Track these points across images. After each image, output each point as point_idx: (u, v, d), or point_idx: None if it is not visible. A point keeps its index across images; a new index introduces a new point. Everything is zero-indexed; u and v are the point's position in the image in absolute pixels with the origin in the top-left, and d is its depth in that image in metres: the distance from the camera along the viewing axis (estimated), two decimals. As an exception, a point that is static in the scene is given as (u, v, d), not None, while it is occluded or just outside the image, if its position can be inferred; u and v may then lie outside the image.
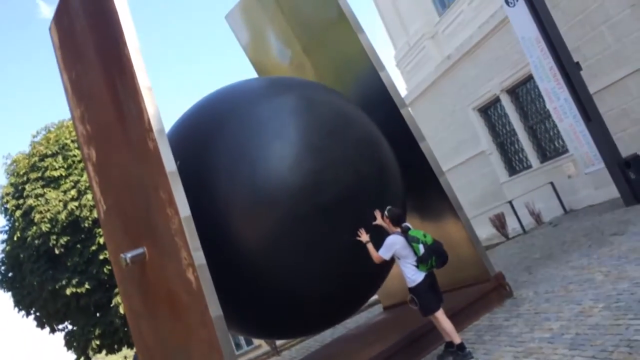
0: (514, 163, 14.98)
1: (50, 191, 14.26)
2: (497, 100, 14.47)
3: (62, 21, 6.65)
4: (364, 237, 5.49)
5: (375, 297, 8.91)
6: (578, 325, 4.70)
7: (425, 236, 5.28)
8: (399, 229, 5.37)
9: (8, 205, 14.71)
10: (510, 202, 13.64)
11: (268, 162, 5.55)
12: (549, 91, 10.85)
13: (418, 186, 7.02)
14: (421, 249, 5.18)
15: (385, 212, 5.46)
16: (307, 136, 5.73)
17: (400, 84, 20.42)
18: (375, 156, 6.09)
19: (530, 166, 14.16)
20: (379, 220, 5.59)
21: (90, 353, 15.25)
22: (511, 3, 10.96)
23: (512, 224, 13.55)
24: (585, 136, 10.25)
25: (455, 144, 16.38)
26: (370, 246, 5.42)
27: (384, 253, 5.30)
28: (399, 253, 5.29)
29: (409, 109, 7.82)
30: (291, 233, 5.41)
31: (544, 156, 13.72)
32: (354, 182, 5.69)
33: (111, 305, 14.39)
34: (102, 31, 5.80)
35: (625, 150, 10.21)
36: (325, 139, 5.75)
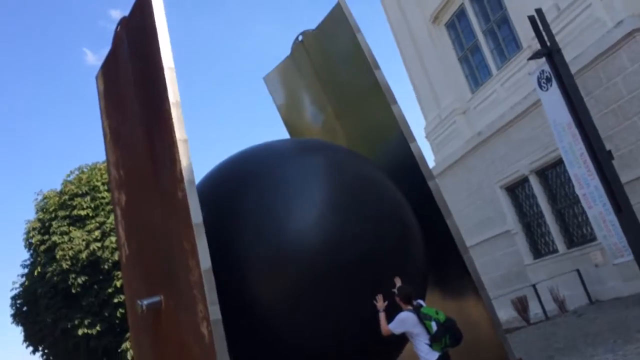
0: (539, 246, 14.70)
1: (75, 230, 14.50)
2: (525, 180, 14.41)
3: (109, 71, 6.97)
4: (380, 304, 5.38)
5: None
6: None
7: (437, 313, 5.17)
8: (410, 307, 5.27)
9: (33, 240, 14.95)
10: (533, 286, 13.30)
11: (291, 220, 5.58)
12: (578, 177, 10.79)
13: (441, 260, 6.92)
14: (434, 326, 5.07)
15: (396, 290, 5.37)
16: (333, 196, 5.77)
17: (428, 156, 20.59)
18: (398, 217, 6.07)
19: (556, 250, 13.88)
20: (395, 289, 5.45)
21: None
22: (544, 87, 11.11)
23: (534, 309, 13.16)
24: (615, 226, 10.07)
25: (480, 221, 16.22)
26: (382, 316, 5.31)
27: (394, 327, 5.20)
28: (411, 331, 5.17)
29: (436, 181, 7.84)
30: (309, 293, 5.34)
31: (571, 242, 13.45)
32: (376, 246, 5.64)
33: (119, 350, 14.24)
34: (146, 83, 6.05)
35: (656, 243, 9.96)
36: (350, 200, 5.78)
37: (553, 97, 10.86)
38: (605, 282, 12.28)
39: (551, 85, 10.85)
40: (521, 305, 12.94)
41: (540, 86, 11.21)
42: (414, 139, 7.34)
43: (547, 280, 13.34)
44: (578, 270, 12.73)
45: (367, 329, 5.48)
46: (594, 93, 11.61)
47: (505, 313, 13.94)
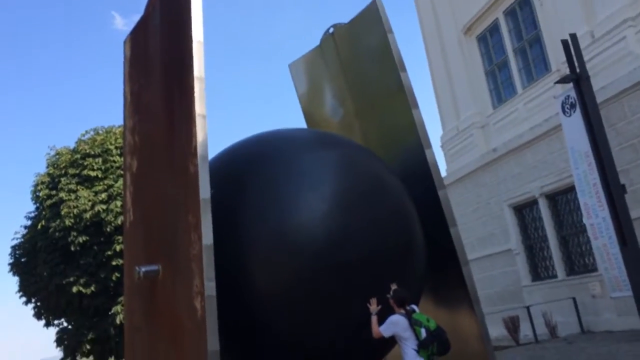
0: (539, 269, 14.66)
1: (83, 189, 14.61)
2: (534, 202, 14.34)
3: (138, 37, 7.01)
4: (373, 307, 5.42)
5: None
6: None
7: (428, 321, 5.21)
8: (403, 310, 5.30)
9: (40, 194, 15.10)
10: (527, 308, 13.28)
11: (298, 211, 5.61)
12: (588, 206, 10.73)
13: (439, 269, 6.93)
14: (423, 333, 5.11)
15: (391, 293, 5.40)
16: (342, 194, 5.78)
17: (440, 165, 20.47)
18: (404, 225, 6.08)
19: (555, 276, 13.83)
20: (391, 292, 5.48)
21: (78, 356, 15.15)
22: (567, 112, 11.04)
23: (525, 330, 13.14)
24: (618, 259, 10.03)
25: (483, 236, 16.19)
26: (374, 319, 5.35)
27: (384, 330, 5.24)
28: (401, 335, 5.22)
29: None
30: (307, 286, 5.39)
31: (572, 269, 13.40)
32: (378, 248, 5.67)
33: (110, 313, 14.39)
34: (173, 54, 6.08)
35: (656, 283, 9.91)
36: (359, 199, 5.79)
37: (575, 124, 10.78)
38: (600, 314, 12.23)
39: (574, 112, 10.77)
40: (512, 325, 12.92)
41: (564, 111, 11.13)
42: (430, 146, 7.34)
43: (541, 304, 13.31)
44: (574, 299, 12.69)
45: (356, 329, 5.51)
46: (616, 125, 11.51)
47: (495, 331, 13.91)
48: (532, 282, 14.66)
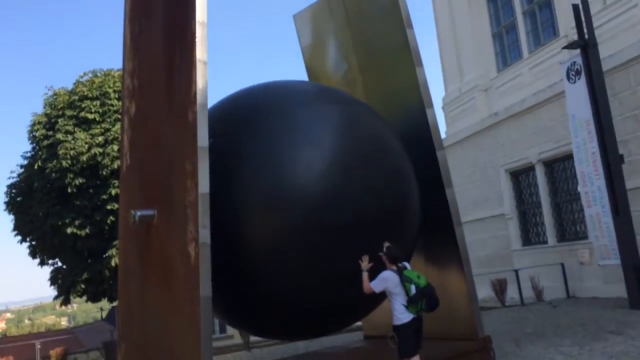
0: (530, 234, 14.84)
1: (80, 132, 14.50)
2: (531, 169, 14.38)
3: (142, -24, 6.81)
4: (365, 264, 5.48)
5: (359, 323, 8.88)
6: (551, 411, 4.63)
7: (419, 277, 5.29)
8: (394, 267, 5.38)
9: (37, 134, 14.99)
10: (516, 271, 13.50)
11: (295, 166, 5.59)
12: (584, 175, 10.76)
13: (432, 228, 7.00)
14: (413, 289, 5.19)
15: (384, 249, 5.45)
16: (341, 153, 5.76)
17: (440, 127, 20.37)
18: (401, 190, 6.10)
19: (545, 242, 14.02)
20: (384, 248, 5.54)
21: (72, 295, 15.40)
22: (572, 79, 10.93)
23: (511, 293, 13.40)
24: (609, 228, 10.14)
25: (477, 200, 16.29)
26: (365, 275, 5.42)
27: (375, 285, 5.32)
28: (391, 290, 5.30)
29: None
30: (300, 240, 5.43)
31: (562, 236, 13.58)
32: (374, 210, 5.69)
33: (104, 256, 14.55)
34: (176, -4, 5.93)
35: (645, 253, 10.05)
36: (358, 160, 5.77)
37: (578, 91, 10.69)
38: (586, 280, 12.47)
39: (579, 79, 10.66)
40: (499, 287, 13.17)
41: (569, 78, 11.02)
42: (431, 106, 7.30)
43: (530, 268, 13.54)
44: (562, 265, 12.91)
45: (346, 286, 5.58)
46: (620, 95, 11.43)
47: (483, 292, 14.16)
48: (522, 246, 14.87)
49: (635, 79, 11.29)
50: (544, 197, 13.91)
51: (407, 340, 5.23)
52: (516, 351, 7.27)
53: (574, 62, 10.86)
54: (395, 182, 6.07)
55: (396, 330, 5.27)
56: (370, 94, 8.11)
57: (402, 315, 5.24)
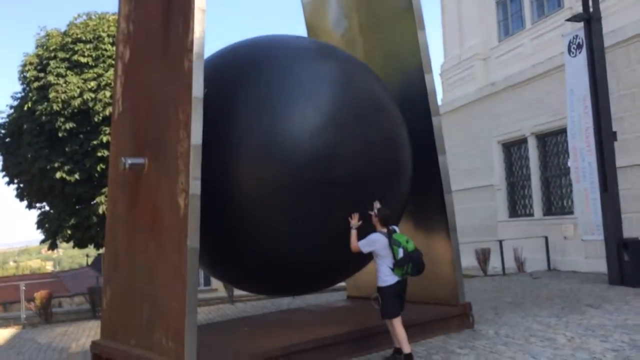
0: (517, 206, 14.98)
1: (72, 75, 14.24)
2: (523, 141, 14.40)
3: None
4: (354, 221, 5.52)
5: (342, 284, 9.01)
6: (525, 376, 4.76)
7: (407, 242, 5.33)
8: (385, 229, 5.41)
9: (28, 75, 14.70)
10: (500, 242, 13.68)
11: (290, 121, 5.54)
12: (576, 150, 10.79)
13: (423, 194, 7.02)
14: (400, 253, 5.24)
15: (375, 211, 5.48)
16: (337, 111, 5.70)
17: (437, 93, 20.26)
18: (394, 152, 6.09)
19: (532, 214, 14.17)
20: (375, 209, 5.57)
21: (58, 240, 15.43)
22: (572, 53, 10.83)
23: (494, 263, 13.61)
24: (596, 204, 10.24)
25: (468, 169, 16.34)
26: (354, 233, 5.47)
27: (363, 245, 5.36)
28: (379, 252, 5.35)
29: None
30: (292, 195, 5.43)
31: (549, 210, 13.72)
32: (366, 170, 5.69)
33: (92, 203, 14.52)
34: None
35: (628, 231, 10.21)
36: (354, 119, 5.73)
37: (578, 65, 10.61)
38: (568, 254, 12.67)
39: (580, 53, 10.56)
40: (483, 256, 13.36)
41: (569, 51, 10.91)
42: (430, 71, 7.23)
43: (514, 240, 13.72)
44: (546, 238, 13.09)
45: (335, 243, 5.62)
46: (619, 72, 11.37)
47: (466, 261, 14.29)
48: (508, 217, 15.03)
49: (635, 56, 11.22)
50: (534, 171, 13.98)
51: (390, 302, 5.32)
52: (495, 318, 7.42)
53: (576, 36, 10.74)
54: (389, 143, 6.05)
55: (380, 291, 5.35)
56: (370, 55, 7.99)
57: (387, 278, 5.30)
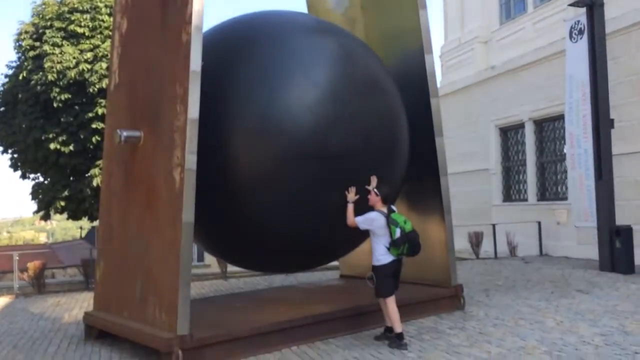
0: (512, 191, 15.03)
1: (68, 45, 14.08)
2: (521, 126, 14.39)
3: None
4: (351, 195, 5.51)
5: (335, 263, 9.04)
6: (515, 358, 4.81)
7: (405, 222, 5.34)
8: (384, 209, 5.42)
9: (23, 43, 14.53)
10: (493, 226, 13.75)
11: (287, 94, 5.49)
12: (573, 136, 10.80)
13: (419, 176, 7.02)
14: (397, 233, 5.25)
15: (375, 189, 5.47)
16: (334, 86, 5.66)
17: (436, 75, 20.16)
18: (390, 137, 6.06)
19: (526, 199, 14.22)
20: (373, 183, 5.54)
21: (52, 211, 15.40)
22: (574, 38, 10.76)
23: (486, 246, 13.69)
24: (590, 191, 10.28)
25: (464, 153, 16.34)
26: (351, 207, 5.47)
27: (360, 222, 5.37)
28: (376, 231, 5.36)
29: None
30: (288, 170, 5.41)
31: (543, 195, 13.77)
32: (363, 146, 5.65)
33: (87, 175, 14.48)
34: None
35: (621, 219, 10.27)
36: (351, 97, 5.70)
37: (578, 51, 10.55)
38: (560, 240, 12.76)
39: (581, 38, 10.50)
40: (475, 240, 13.43)
41: (571, 36, 10.84)
42: (431, 51, 7.17)
43: (507, 224, 13.78)
44: (539, 223, 13.16)
45: (332, 220, 5.62)
46: (618, 59, 11.32)
47: (459, 243, 14.30)
48: (502, 202, 15.08)
49: (636, 44, 11.16)
50: (530, 156, 13.99)
51: (385, 281, 5.34)
52: (485, 300, 7.49)
53: (578, 21, 10.66)
54: (387, 122, 6.01)
55: (375, 270, 5.37)
56: (370, 34, 7.92)
57: (383, 257, 5.33)
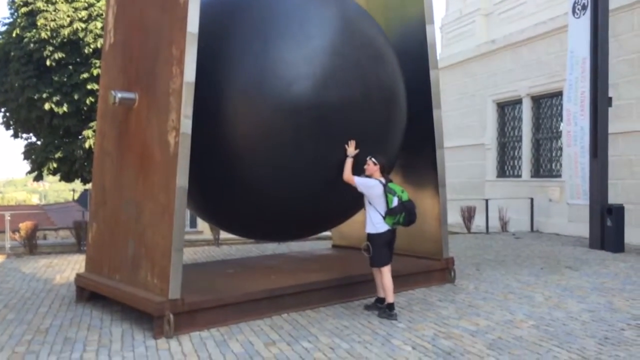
0: (506, 167, 15.04)
1: (62, 3, 13.77)
2: (518, 102, 14.32)
3: None
4: (351, 149, 5.47)
5: (327, 233, 9.07)
6: (503, 331, 4.87)
7: (402, 192, 5.34)
8: (382, 178, 5.40)
9: (16, -1, 14.21)
10: (486, 201, 13.80)
11: (283, 53, 5.38)
12: (570, 113, 10.76)
13: (415, 148, 6.98)
14: (395, 202, 5.25)
15: (373, 159, 5.42)
16: (332, 49, 5.55)
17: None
18: (390, 91, 5.99)
19: (519, 176, 14.25)
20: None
21: (45, 172, 15.30)
22: (577, 14, 10.63)
23: (478, 221, 13.77)
24: (584, 169, 10.29)
25: (460, 127, 16.30)
26: (349, 161, 5.43)
27: (359, 183, 5.36)
28: (372, 199, 5.34)
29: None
30: (283, 131, 5.34)
31: (537, 172, 13.80)
32: (362, 99, 5.59)
33: (80, 137, 14.34)
34: None
35: (614, 197, 10.33)
36: (351, 48, 5.65)
37: (581, 27, 10.43)
38: (552, 216, 12.85)
39: (584, 14, 10.36)
40: (468, 214, 13.49)
41: (574, 11, 10.70)
42: (432, 22, 7.06)
43: (500, 199, 13.84)
44: (532, 199, 13.22)
45: (328, 185, 5.59)
46: (621, 36, 11.21)
47: (451, 217, 14.37)
48: (496, 177, 15.11)
49: (638, 22, 11.05)
50: (526, 132, 13.97)
51: (381, 251, 5.35)
52: (475, 274, 7.55)
53: (583, -4, 10.51)
54: (383, 92, 5.91)
55: (371, 239, 5.36)
56: (371, 4, 7.77)
57: (378, 226, 5.32)
